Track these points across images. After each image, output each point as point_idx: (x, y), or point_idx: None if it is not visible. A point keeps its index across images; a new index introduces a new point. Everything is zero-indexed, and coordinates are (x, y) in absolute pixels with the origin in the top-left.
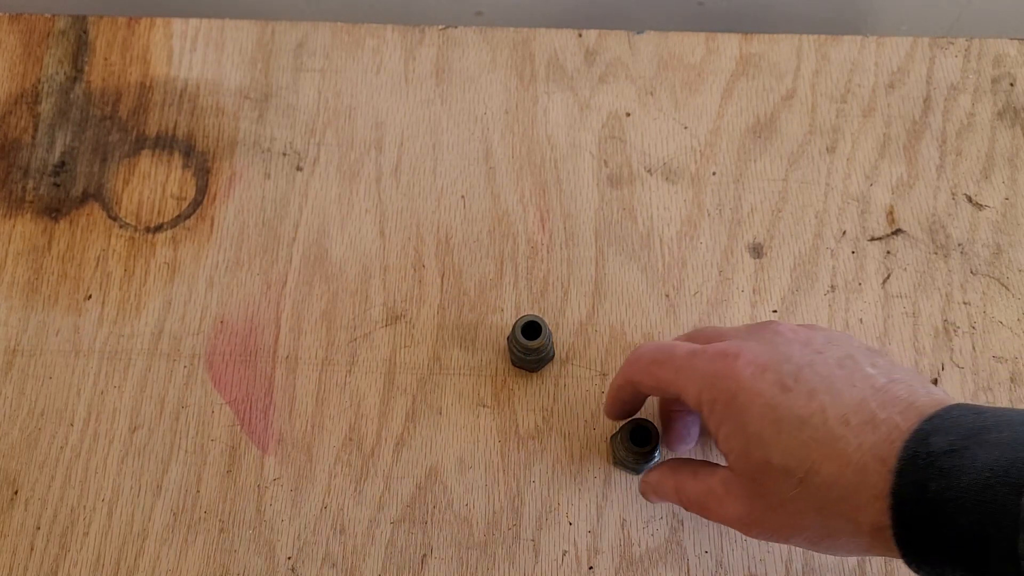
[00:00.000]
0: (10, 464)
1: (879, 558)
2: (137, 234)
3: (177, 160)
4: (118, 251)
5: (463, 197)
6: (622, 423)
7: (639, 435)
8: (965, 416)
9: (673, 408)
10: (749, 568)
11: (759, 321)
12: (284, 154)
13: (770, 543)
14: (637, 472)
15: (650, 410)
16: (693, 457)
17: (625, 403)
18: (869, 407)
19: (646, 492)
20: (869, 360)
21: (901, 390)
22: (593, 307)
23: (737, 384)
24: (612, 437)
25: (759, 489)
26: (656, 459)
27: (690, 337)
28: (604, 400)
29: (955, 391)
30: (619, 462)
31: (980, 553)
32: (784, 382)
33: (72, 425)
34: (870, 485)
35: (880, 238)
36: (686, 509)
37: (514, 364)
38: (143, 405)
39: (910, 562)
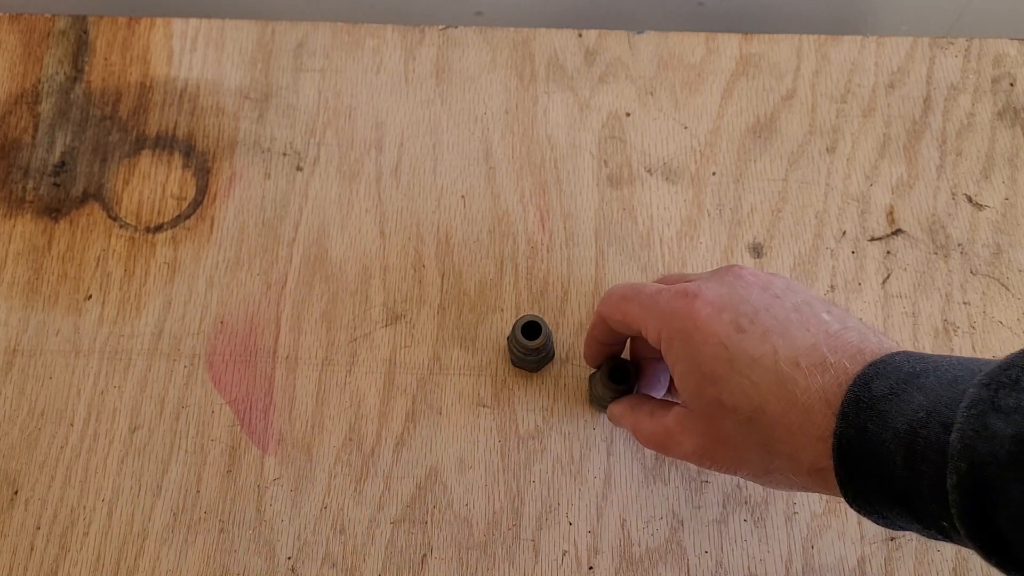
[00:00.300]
0: (10, 464)
1: (880, 559)
2: (137, 234)
3: (177, 160)
4: (118, 251)
5: (463, 197)
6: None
7: (617, 373)
8: (907, 362)
9: (643, 354)
10: (749, 568)
11: (725, 265)
12: (284, 154)
13: (769, 547)
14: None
15: None
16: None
17: (600, 344)
18: (820, 351)
19: (612, 421)
20: (825, 308)
21: (853, 336)
22: (593, 307)
23: (693, 323)
24: (591, 376)
25: (709, 426)
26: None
27: (660, 280)
28: (584, 346)
29: None
30: (596, 400)
31: (914, 491)
32: (739, 323)
33: (72, 425)
34: (814, 426)
35: (880, 238)
36: (644, 446)
37: (514, 364)
38: (143, 405)
39: (852, 502)
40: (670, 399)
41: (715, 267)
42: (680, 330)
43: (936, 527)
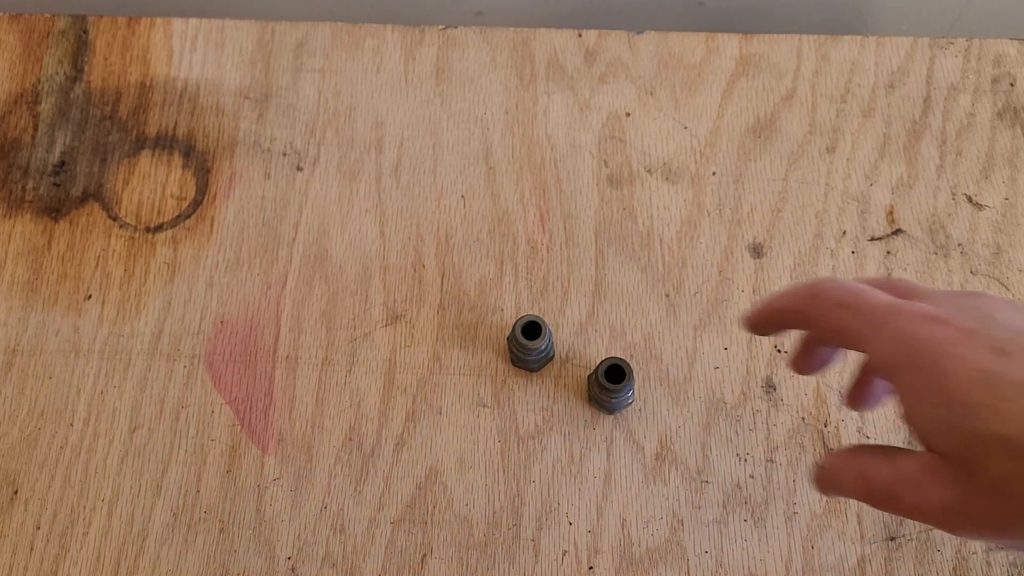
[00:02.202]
0: (10, 464)
1: (880, 559)
2: (137, 234)
3: (177, 160)
4: (118, 251)
5: (463, 197)
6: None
7: (613, 373)
8: None
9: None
10: (749, 568)
11: (963, 289)
12: (284, 154)
13: (769, 547)
14: (610, 411)
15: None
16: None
17: (776, 324)
18: None
19: (822, 482)
20: None
21: None
22: (593, 307)
23: (943, 349)
24: (589, 376)
25: (971, 469)
26: (630, 399)
27: (881, 286)
28: (751, 310)
29: None
30: (593, 399)
31: None
32: (999, 346)
33: (72, 425)
34: None
35: (880, 238)
36: (872, 504)
37: (514, 364)
38: (143, 405)
39: None
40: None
41: (715, 267)
42: (925, 356)
43: None
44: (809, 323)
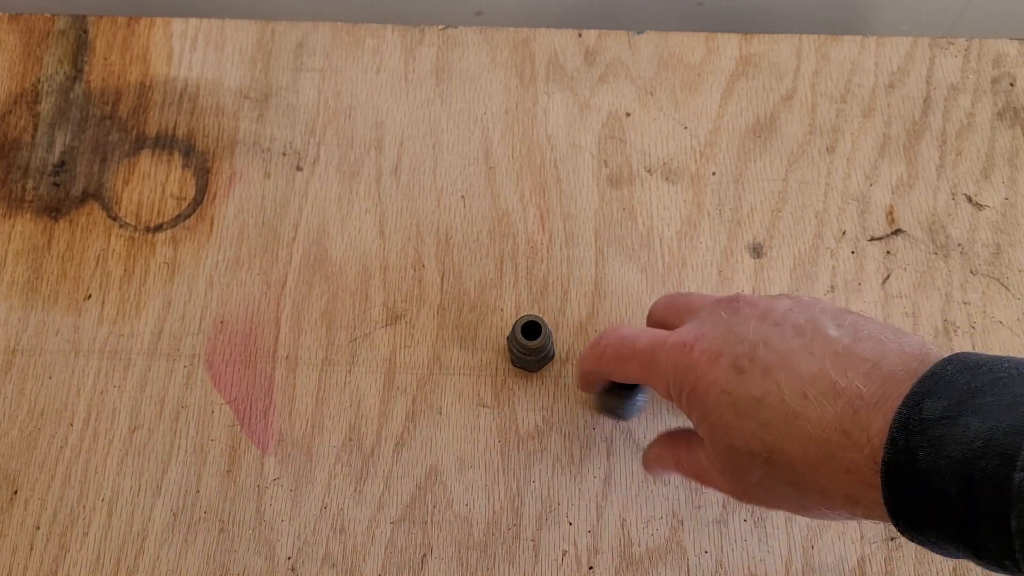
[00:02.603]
0: (10, 464)
1: (879, 559)
2: (137, 234)
3: (177, 160)
4: (118, 251)
5: (463, 197)
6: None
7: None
8: (961, 375)
9: None
10: (749, 568)
11: (726, 295)
12: (284, 154)
13: (769, 547)
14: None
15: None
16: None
17: (593, 382)
18: (828, 376)
19: (650, 465)
20: (835, 321)
21: (867, 350)
22: (593, 307)
23: (695, 374)
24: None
25: (733, 470)
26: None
27: (663, 307)
28: (574, 378)
29: None
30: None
31: (972, 527)
32: (739, 364)
33: (72, 425)
34: (836, 459)
35: (880, 238)
36: (687, 479)
37: (514, 364)
38: (143, 405)
39: (904, 532)
40: None
41: (715, 267)
42: (685, 383)
43: (998, 564)
44: (609, 376)
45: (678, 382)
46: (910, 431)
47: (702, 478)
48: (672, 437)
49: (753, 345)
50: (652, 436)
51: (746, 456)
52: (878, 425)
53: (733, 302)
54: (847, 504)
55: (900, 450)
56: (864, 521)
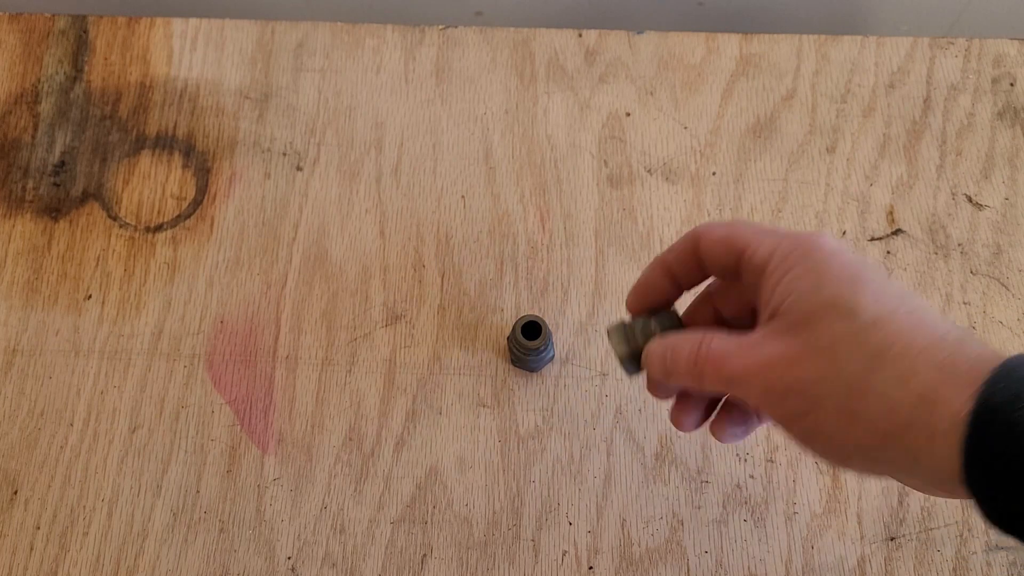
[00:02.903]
0: (10, 464)
1: (879, 559)
2: (137, 234)
3: (177, 160)
4: (118, 251)
5: (463, 197)
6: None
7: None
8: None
9: (723, 310)
10: (749, 568)
11: (806, 234)
12: (284, 154)
13: (769, 547)
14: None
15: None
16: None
17: (664, 272)
18: (948, 327)
19: (656, 360)
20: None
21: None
22: (593, 307)
23: (820, 240)
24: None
25: (810, 328)
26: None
27: (718, 241)
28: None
29: None
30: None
31: None
32: (864, 260)
33: (72, 425)
34: (937, 350)
35: (880, 238)
36: (694, 373)
37: (514, 364)
38: (143, 405)
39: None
40: None
41: None
42: (805, 244)
43: None
44: (703, 244)
45: (795, 244)
46: (995, 407)
47: (728, 358)
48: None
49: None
50: (653, 436)
51: (844, 313)
52: (961, 399)
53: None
54: (919, 404)
55: (994, 390)
56: (864, 521)
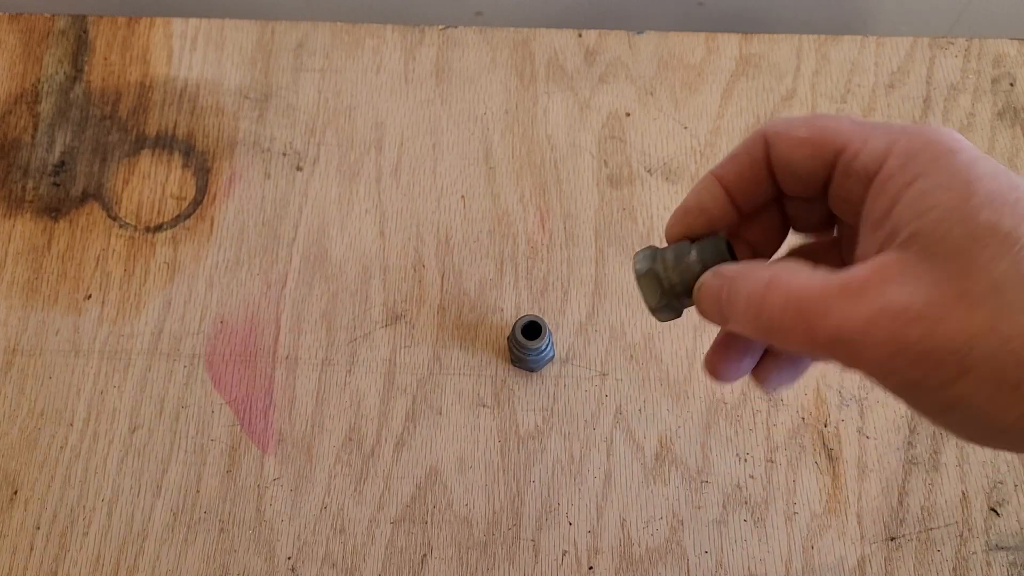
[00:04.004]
0: (10, 464)
1: (879, 559)
2: (137, 234)
3: (177, 160)
4: (118, 251)
5: (463, 197)
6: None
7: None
8: None
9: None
10: (749, 568)
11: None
12: (284, 154)
13: (769, 547)
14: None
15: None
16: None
17: (719, 187)
18: None
19: (709, 303)
20: None
21: None
22: (593, 307)
23: (955, 141)
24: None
25: (964, 263)
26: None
27: (850, 129)
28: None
29: None
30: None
31: None
32: (1011, 173)
33: (72, 425)
34: None
35: None
36: (765, 324)
37: (514, 364)
38: (143, 405)
39: None
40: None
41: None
42: (933, 143)
43: None
44: (779, 146)
45: (918, 140)
46: None
47: (827, 302)
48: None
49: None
50: (653, 436)
51: (1004, 242)
52: None
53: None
54: None
55: None
56: (864, 521)
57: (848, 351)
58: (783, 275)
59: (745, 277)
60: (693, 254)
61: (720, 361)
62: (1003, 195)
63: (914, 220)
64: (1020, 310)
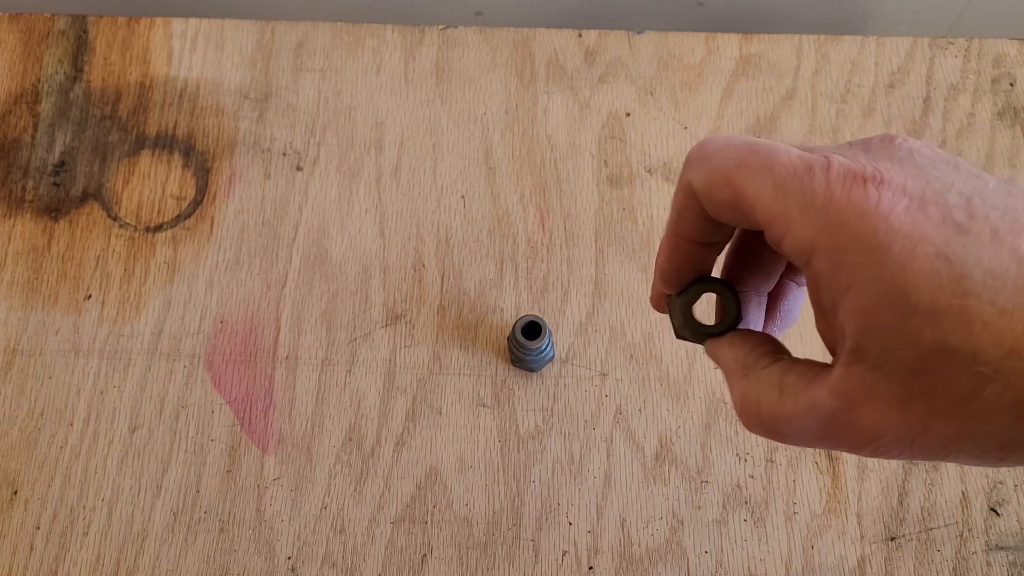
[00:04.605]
0: (10, 464)
1: (879, 559)
2: (137, 234)
3: (177, 160)
4: (118, 251)
5: (463, 197)
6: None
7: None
8: None
9: (754, 268)
10: (749, 568)
11: (870, 136)
12: (284, 154)
13: (769, 547)
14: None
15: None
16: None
17: (685, 244)
18: None
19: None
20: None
21: None
22: (593, 307)
23: (885, 224)
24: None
25: (921, 387)
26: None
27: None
28: (656, 256)
29: None
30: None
31: None
32: (955, 219)
33: (72, 425)
34: None
35: None
36: (760, 431)
37: (514, 364)
38: (143, 405)
39: None
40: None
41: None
42: (860, 235)
43: None
44: (708, 206)
45: (845, 232)
46: None
47: (812, 428)
48: (745, 362)
49: (966, 196)
50: (653, 436)
51: (964, 361)
52: None
53: (897, 140)
54: None
55: None
56: (864, 521)
57: (836, 448)
58: (751, 395)
59: (730, 373)
60: (678, 305)
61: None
62: (946, 302)
63: (859, 335)
64: (994, 418)
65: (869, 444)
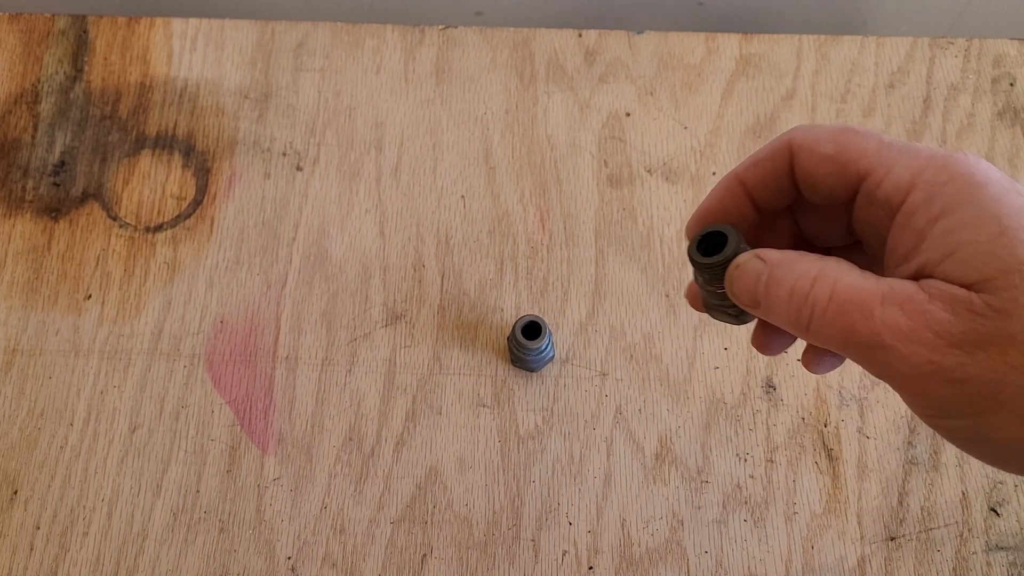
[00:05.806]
0: (10, 464)
1: (879, 559)
2: (137, 234)
3: (177, 160)
4: (118, 251)
5: (463, 197)
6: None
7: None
8: None
9: (815, 235)
10: (749, 568)
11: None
12: (284, 154)
13: (769, 547)
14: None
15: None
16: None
17: (749, 183)
18: None
19: (745, 287)
20: None
21: None
22: (593, 307)
23: (983, 173)
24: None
25: (996, 301)
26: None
27: (835, 140)
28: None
29: None
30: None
31: None
32: None
33: (72, 425)
34: None
35: None
36: (803, 320)
37: (514, 364)
38: (143, 405)
39: None
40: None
41: None
42: (960, 176)
43: None
44: (802, 158)
45: (945, 170)
46: None
47: (888, 316)
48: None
49: None
50: (653, 436)
51: None
52: None
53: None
54: None
55: None
56: (864, 521)
57: (882, 359)
58: (831, 271)
59: (790, 267)
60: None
61: (765, 337)
62: None
63: (946, 257)
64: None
65: (931, 341)
